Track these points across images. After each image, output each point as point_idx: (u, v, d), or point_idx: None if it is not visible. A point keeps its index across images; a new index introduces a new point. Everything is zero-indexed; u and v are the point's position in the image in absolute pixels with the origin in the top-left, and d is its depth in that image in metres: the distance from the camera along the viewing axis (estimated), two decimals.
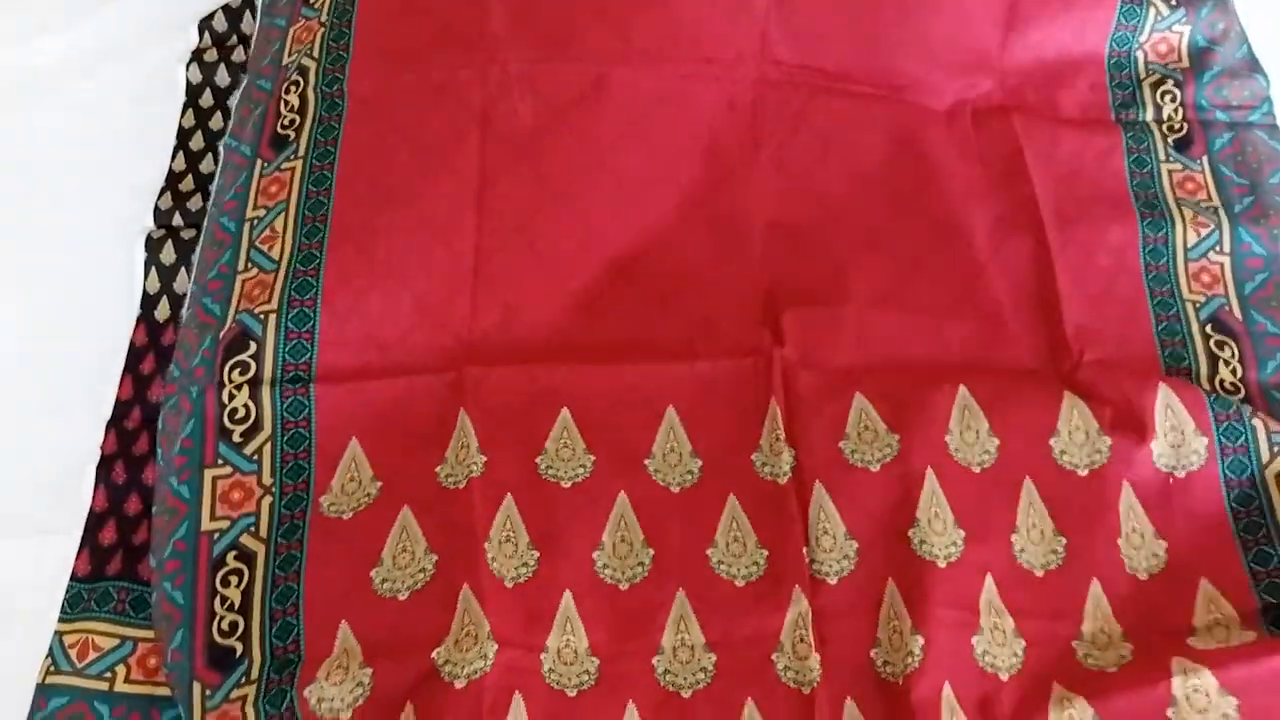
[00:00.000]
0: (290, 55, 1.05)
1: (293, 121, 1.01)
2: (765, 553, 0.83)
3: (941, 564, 0.82)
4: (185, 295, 0.96)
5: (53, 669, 0.81)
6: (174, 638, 0.79)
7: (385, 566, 0.81)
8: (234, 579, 0.81)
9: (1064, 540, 0.84)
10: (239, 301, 0.91)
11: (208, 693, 0.77)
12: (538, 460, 0.87)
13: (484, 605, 0.78)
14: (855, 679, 0.78)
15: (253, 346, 0.88)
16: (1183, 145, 1.04)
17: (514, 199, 0.97)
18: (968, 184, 1.01)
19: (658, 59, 1.04)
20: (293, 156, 0.98)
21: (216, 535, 0.83)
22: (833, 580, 0.82)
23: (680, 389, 0.90)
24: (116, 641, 0.83)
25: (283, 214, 0.95)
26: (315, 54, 1.04)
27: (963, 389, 0.89)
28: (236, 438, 0.86)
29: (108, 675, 0.81)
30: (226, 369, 0.87)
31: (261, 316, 0.90)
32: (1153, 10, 1.09)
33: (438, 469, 0.86)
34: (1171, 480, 0.86)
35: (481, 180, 0.97)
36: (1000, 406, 0.88)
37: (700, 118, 1.03)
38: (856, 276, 0.96)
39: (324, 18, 1.06)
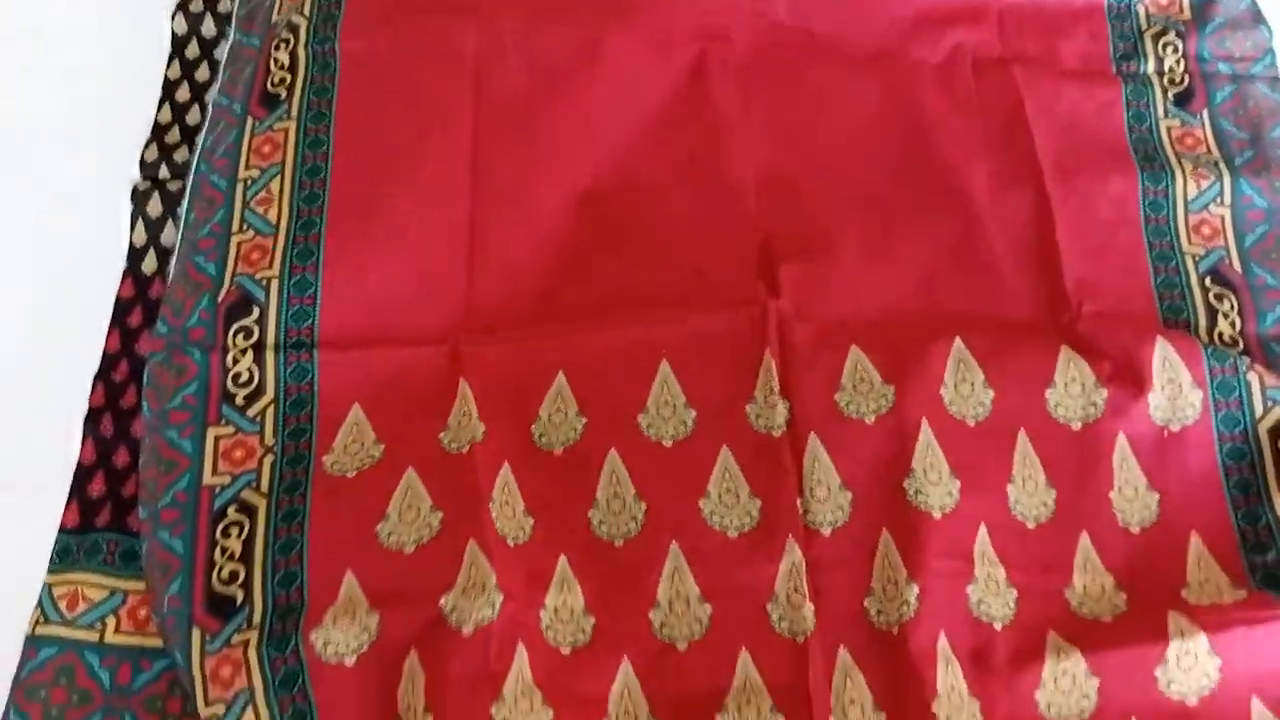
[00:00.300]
0: (279, 12, 1.04)
1: (283, 80, 1.00)
2: (758, 503, 0.83)
3: (937, 514, 0.81)
4: (173, 248, 0.95)
5: (42, 620, 0.81)
6: (172, 584, 0.79)
7: (391, 521, 0.81)
8: (234, 530, 0.81)
9: (1054, 493, 0.84)
10: (236, 264, 0.91)
11: (207, 638, 0.77)
12: (532, 428, 0.87)
13: (490, 559, 0.78)
14: (849, 628, 0.78)
15: (255, 311, 0.89)
16: (1183, 99, 1.03)
17: (508, 163, 0.97)
18: (965, 137, 1.00)
19: (652, 20, 1.03)
20: (285, 117, 0.98)
21: (218, 489, 0.83)
22: (826, 531, 0.82)
23: (674, 342, 0.90)
24: (106, 593, 0.82)
25: (278, 177, 0.95)
26: (306, 11, 1.03)
27: (958, 341, 0.89)
28: (239, 400, 0.86)
29: (98, 626, 0.81)
30: (230, 334, 0.88)
31: (263, 282, 0.90)
32: None
33: (441, 435, 0.86)
34: (1166, 434, 0.86)
35: (476, 146, 0.97)
36: (996, 359, 0.88)
37: (694, 78, 1.02)
38: (851, 231, 0.95)
39: None
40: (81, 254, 0.96)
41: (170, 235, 0.96)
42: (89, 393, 0.90)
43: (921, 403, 0.86)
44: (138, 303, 0.94)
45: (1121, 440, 0.85)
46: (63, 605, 0.82)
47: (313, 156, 0.96)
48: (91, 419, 0.89)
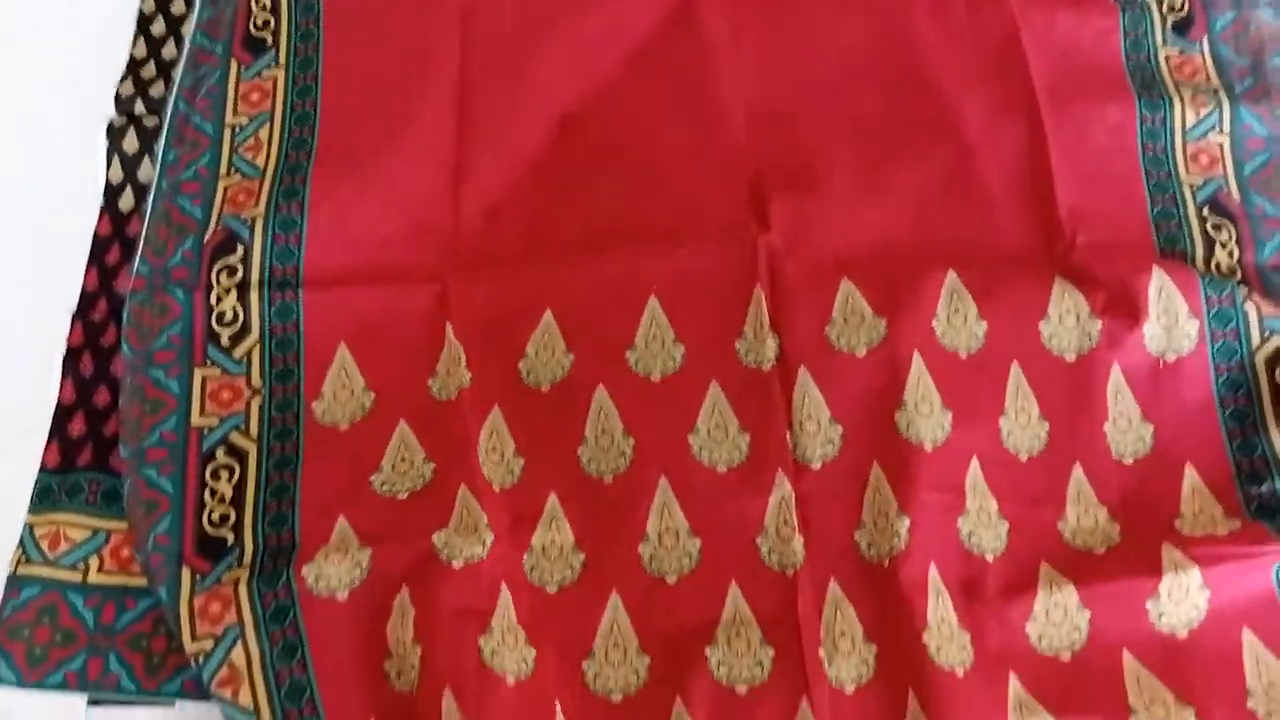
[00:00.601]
0: None
1: (267, 23, 0.98)
2: (747, 438, 0.82)
3: (928, 447, 0.81)
4: (150, 185, 0.93)
5: (24, 560, 0.80)
6: (159, 523, 0.79)
7: (385, 473, 0.81)
8: (225, 473, 0.81)
9: (1047, 425, 0.83)
10: (223, 206, 0.90)
11: (198, 578, 0.77)
12: (520, 365, 0.86)
13: (481, 504, 0.78)
14: (839, 561, 0.78)
15: (240, 250, 0.88)
16: (1182, 26, 1.00)
17: (494, 100, 0.95)
18: (959, 66, 0.98)
19: None
20: (273, 64, 0.97)
21: (206, 431, 0.82)
22: (816, 465, 0.81)
23: (663, 276, 0.89)
24: (88, 533, 0.82)
25: (267, 124, 0.94)
26: None
27: (951, 273, 0.87)
28: (225, 341, 0.85)
29: (80, 566, 0.80)
30: (214, 272, 0.87)
31: (248, 221, 0.89)
32: None
33: (429, 381, 0.85)
34: (1161, 364, 0.85)
35: (461, 83, 0.96)
36: (989, 291, 0.87)
37: (683, 9, 1.00)
38: (843, 163, 0.94)
39: None
40: (57, 191, 0.94)
41: (147, 172, 0.94)
42: (67, 331, 0.88)
43: (913, 335, 0.85)
44: (115, 240, 0.92)
45: (1116, 371, 0.84)
46: (44, 545, 0.81)
47: (301, 104, 0.95)
48: (70, 358, 0.87)
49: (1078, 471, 0.82)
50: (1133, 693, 0.74)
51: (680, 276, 0.88)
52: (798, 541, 0.78)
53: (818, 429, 0.82)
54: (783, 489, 0.80)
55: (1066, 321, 0.86)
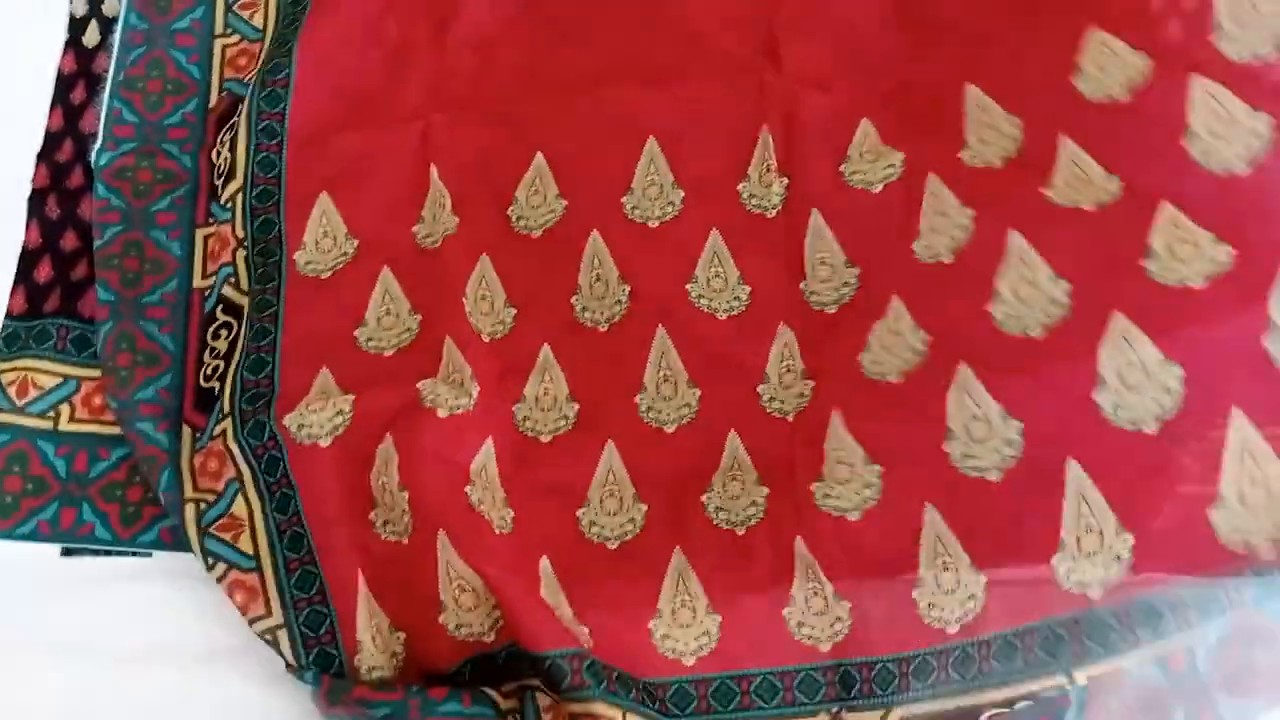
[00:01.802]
0: None
1: None
2: (748, 289, 0.78)
3: (948, 259, 0.76)
4: (115, 18, 0.87)
5: None
6: (161, 378, 0.77)
7: (369, 327, 0.77)
8: (224, 333, 0.78)
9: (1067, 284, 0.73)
10: (223, 69, 0.88)
11: (197, 435, 0.75)
12: (509, 211, 0.81)
13: (465, 355, 0.75)
14: (851, 393, 0.73)
15: (240, 110, 0.84)
16: None
17: None
18: None
19: None
20: None
21: (206, 292, 0.80)
22: (832, 309, 0.77)
23: (663, 116, 0.83)
24: (58, 380, 0.78)
25: None
26: None
27: (972, 88, 0.81)
28: (219, 191, 0.83)
29: (50, 414, 0.77)
30: (220, 134, 0.84)
31: (248, 82, 0.85)
32: None
33: (414, 229, 0.81)
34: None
35: None
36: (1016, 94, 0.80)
37: None
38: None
39: None
40: (19, 26, 0.88)
41: (112, 5, 0.88)
42: (31, 173, 0.84)
43: (934, 160, 0.79)
44: (80, 77, 0.86)
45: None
46: (12, 392, 0.77)
47: None
48: (36, 200, 0.83)
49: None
50: None
51: (681, 117, 0.83)
52: (805, 385, 0.74)
53: (831, 272, 0.78)
54: (785, 336, 0.76)
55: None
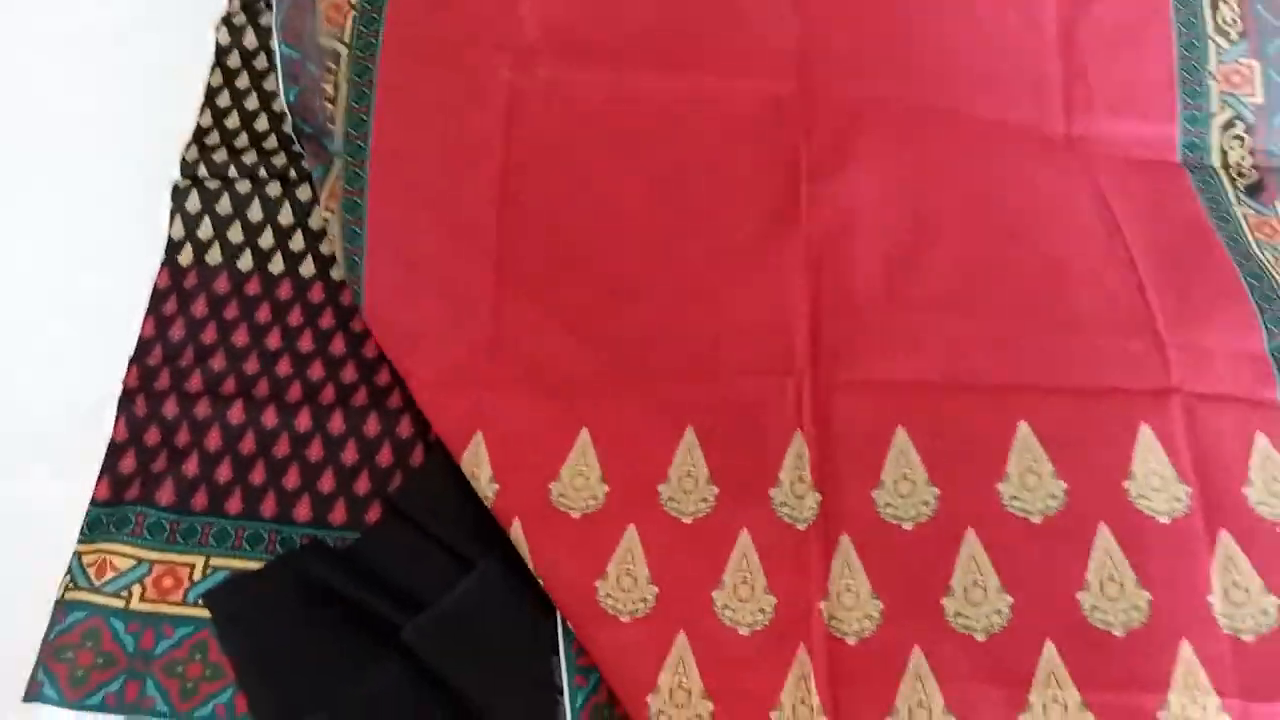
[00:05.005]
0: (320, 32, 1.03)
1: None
2: (774, 600, 0.79)
3: (980, 636, 0.77)
4: (207, 241, 1.00)
5: (72, 585, 0.85)
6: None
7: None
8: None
9: (1147, 595, 0.77)
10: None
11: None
12: (551, 486, 0.84)
13: None
14: None
15: None
16: (1253, 191, 0.99)
17: (536, 191, 0.97)
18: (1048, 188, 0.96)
19: (691, 69, 1.02)
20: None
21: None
22: (852, 641, 0.77)
23: (700, 409, 0.86)
24: (133, 563, 0.86)
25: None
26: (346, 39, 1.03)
27: (1024, 426, 0.83)
28: None
29: (123, 594, 0.85)
30: None
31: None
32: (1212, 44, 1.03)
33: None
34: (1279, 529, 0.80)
35: (503, 178, 0.97)
36: (1068, 443, 0.82)
37: (737, 121, 0.99)
38: (907, 291, 0.91)
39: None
40: (122, 246, 1.01)
41: (206, 229, 1.01)
42: (124, 374, 0.94)
43: (971, 506, 0.81)
44: (173, 292, 0.98)
45: (1224, 536, 0.79)
46: (91, 572, 0.86)
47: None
48: (125, 399, 0.93)
49: (1186, 650, 0.75)
50: None
51: (719, 409, 0.86)
52: None
53: (856, 601, 0.78)
54: (804, 666, 0.76)
55: (1152, 481, 0.81)
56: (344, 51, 1.02)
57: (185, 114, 1.08)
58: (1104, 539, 0.79)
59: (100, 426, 0.92)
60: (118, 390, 0.94)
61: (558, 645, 0.82)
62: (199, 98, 1.09)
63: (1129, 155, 0.99)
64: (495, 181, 0.96)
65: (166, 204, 1.02)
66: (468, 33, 1.02)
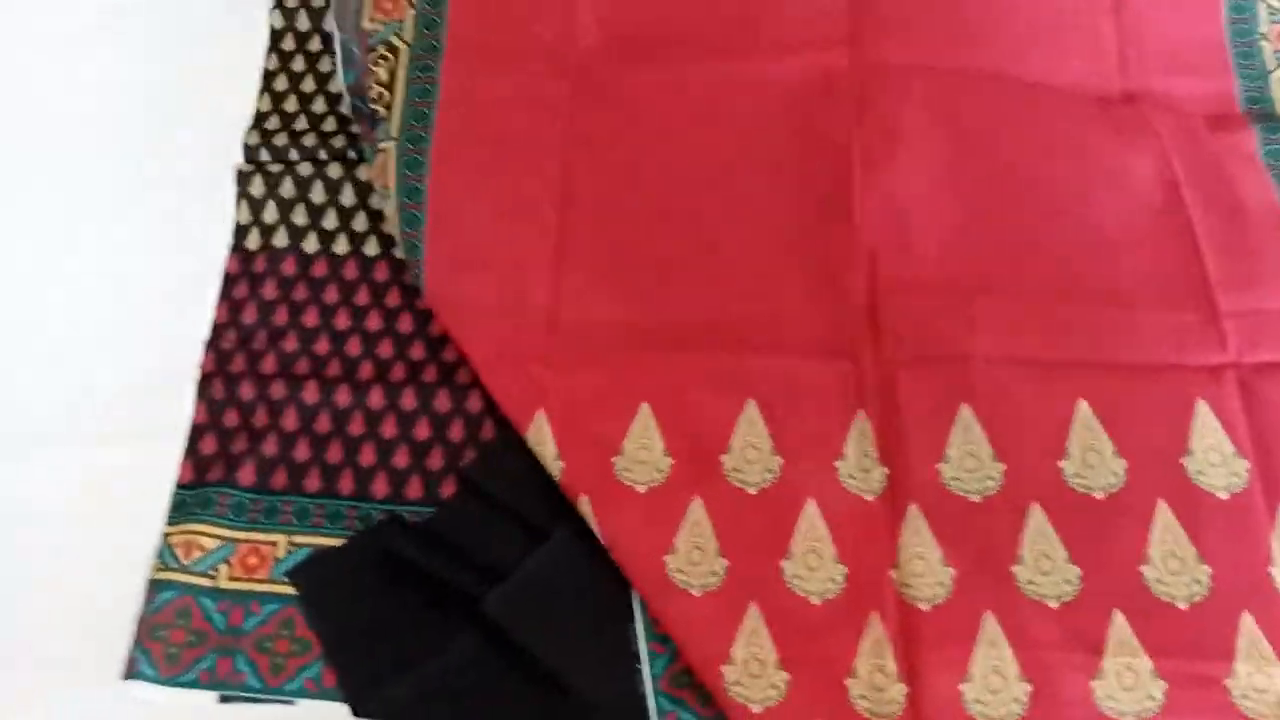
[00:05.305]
0: (369, 20, 1.05)
1: (381, 95, 1.01)
2: (844, 569, 0.80)
3: (1053, 604, 0.78)
4: (273, 225, 1.02)
5: (161, 566, 0.88)
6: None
7: None
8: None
9: (1208, 569, 0.79)
10: None
11: None
12: (614, 460, 0.85)
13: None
14: (942, 717, 0.74)
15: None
16: None
17: (601, 188, 0.97)
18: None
19: (742, 53, 1.03)
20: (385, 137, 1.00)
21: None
22: (925, 607, 0.78)
23: (762, 381, 0.87)
24: (218, 543, 0.89)
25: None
26: (407, 37, 1.04)
27: (1083, 404, 0.85)
28: None
29: (211, 573, 0.87)
30: None
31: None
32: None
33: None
34: None
35: (565, 178, 0.97)
36: (1126, 421, 0.84)
37: (790, 101, 1.00)
38: (968, 266, 0.92)
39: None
40: (194, 233, 1.03)
41: (271, 213, 1.03)
42: (200, 359, 0.96)
43: (1034, 481, 0.82)
44: (243, 277, 1.00)
45: None
46: (180, 553, 0.88)
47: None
48: (203, 383, 0.95)
49: (1247, 621, 0.77)
50: None
51: (779, 384, 0.87)
52: (898, 689, 0.75)
53: (927, 569, 0.79)
54: (877, 632, 0.77)
55: (1211, 457, 0.82)
56: (403, 48, 1.03)
57: (243, 98, 1.09)
58: (1164, 515, 0.81)
59: (180, 411, 0.94)
60: (195, 374, 0.96)
61: (633, 613, 0.83)
62: (256, 81, 1.10)
63: (1190, 109, 1.00)
64: (554, 177, 0.97)
65: (231, 189, 1.04)
66: (528, 37, 1.04)
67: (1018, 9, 1.03)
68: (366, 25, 1.04)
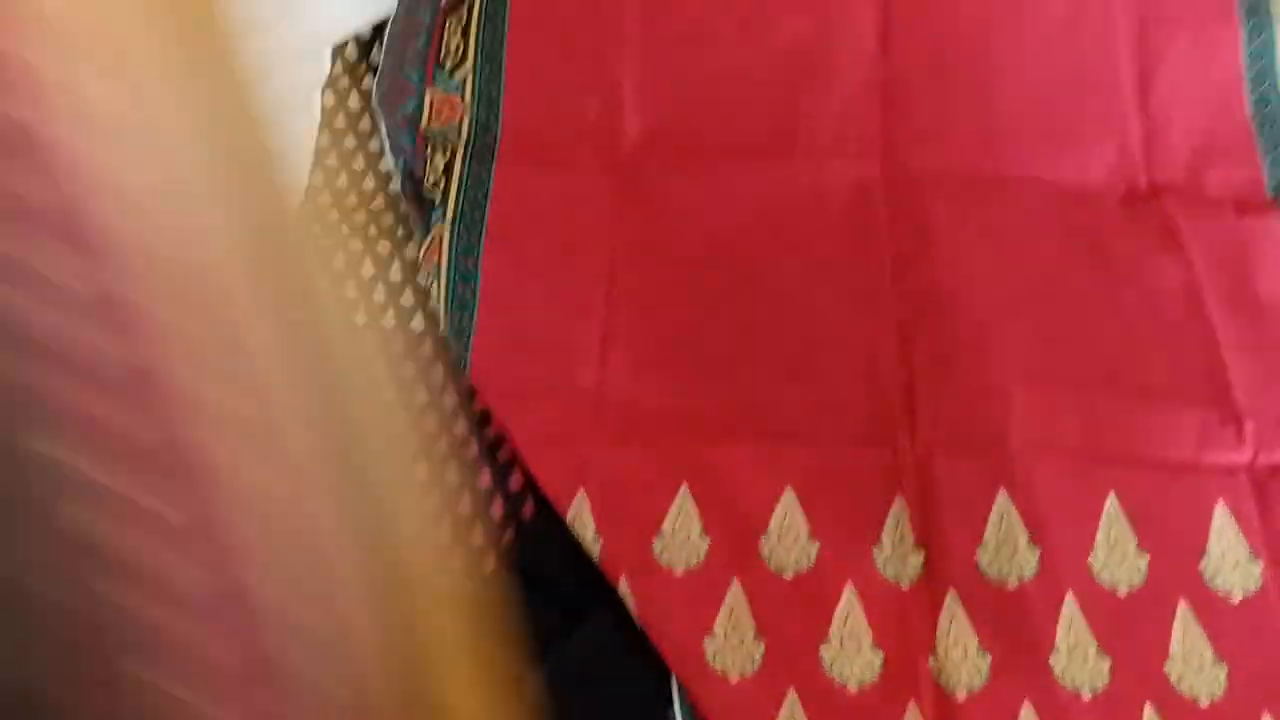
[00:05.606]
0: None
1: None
2: (881, 655, 0.81)
3: (1087, 695, 0.79)
4: None
5: None
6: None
7: None
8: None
9: (1225, 669, 0.80)
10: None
11: None
12: (654, 542, 0.87)
13: None
14: None
15: None
16: None
17: (643, 270, 1.01)
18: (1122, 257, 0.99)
19: (779, 157, 1.06)
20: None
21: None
22: (960, 695, 0.79)
23: (800, 469, 0.89)
24: None
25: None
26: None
27: (1111, 498, 0.86)
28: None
29: None
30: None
31: None
32: None
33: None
34: None
35: (612, 253, 1.01)
36: (1150, 518, 0.86)
37: (826, 204, 1.04)
38: (1004, 351, 0.94)
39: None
40: None
41: None
42: None
43: (1067, 572, 0.83)
44: None
45: None
46: None
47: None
48: None
49: None
50: None
51: (818, 471, 0.88)
52: None
53: (964, 656, 0.80)
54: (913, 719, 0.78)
55: (1228, 559, 0.84)
56: (459, 149, 1.08)
57: (294, 175, 1.12)
58: (1183, 615, 0.82)
59: None
60: None
61: (672, 696, 0.84)
62: (308, 159, 1.12)
63: (1218, 196, 1.02)
64: (603, 268, 1.00)
65: None
66: (576, 138, 1.08)
67: (1046, 113, 1.06)
68: (428, 130, 1.09)
